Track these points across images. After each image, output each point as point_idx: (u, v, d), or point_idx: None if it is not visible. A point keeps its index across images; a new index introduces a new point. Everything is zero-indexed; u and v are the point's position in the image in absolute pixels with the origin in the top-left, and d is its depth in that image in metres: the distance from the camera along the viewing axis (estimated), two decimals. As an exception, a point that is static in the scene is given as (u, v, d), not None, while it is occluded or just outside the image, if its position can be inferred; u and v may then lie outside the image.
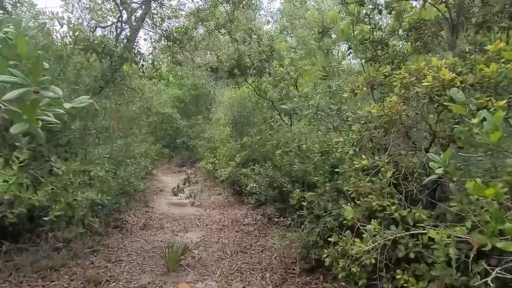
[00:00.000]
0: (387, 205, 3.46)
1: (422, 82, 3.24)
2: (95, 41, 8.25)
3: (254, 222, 9.04)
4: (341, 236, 4.03)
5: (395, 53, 5.98)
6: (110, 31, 11.09)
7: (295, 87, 8.67)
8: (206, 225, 9.16)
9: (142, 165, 11.83)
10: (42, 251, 5.83)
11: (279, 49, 9.77)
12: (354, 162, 3.83)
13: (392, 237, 3.06)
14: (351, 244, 3.38)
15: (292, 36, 23.32)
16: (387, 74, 4.30)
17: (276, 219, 8.64)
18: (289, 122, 9.45)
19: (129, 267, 5.97)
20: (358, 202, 3.83)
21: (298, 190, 6.37)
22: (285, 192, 7.95)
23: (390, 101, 3.56)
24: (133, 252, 6.75)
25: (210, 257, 6.69)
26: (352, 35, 5.98)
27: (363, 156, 3.77)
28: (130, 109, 13.48)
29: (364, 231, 3.20)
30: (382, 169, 3.64)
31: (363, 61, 6.27)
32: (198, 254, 6.73)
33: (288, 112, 9.68)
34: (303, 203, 5.70)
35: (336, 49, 11.77)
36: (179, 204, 11.85)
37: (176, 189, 11.71)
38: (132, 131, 12.92)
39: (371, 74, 4.38)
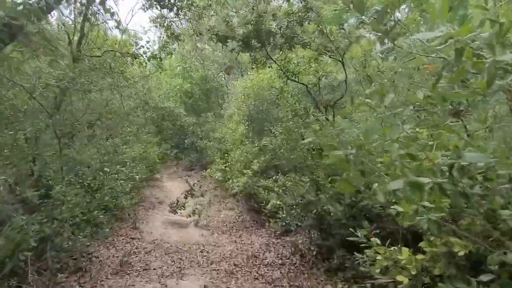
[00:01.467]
0: None
1: None
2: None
3: (281, 262, 6.21)
4: None
5: None
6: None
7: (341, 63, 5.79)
8: (211, 263, 6.38)
9: (133, 172, 9.19)
10: None
11: (318, 6, 6.87)
12: None
13: None
14: None
15: None
16: None
17: (314, 259, 5.83)
18: (327, 116, 6.58)
19: None
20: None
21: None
22: (330, 222, 5.13)
23: None
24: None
25: None
26: None
27: None
28: (122, 103, 10.91)
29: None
30: None
31: None
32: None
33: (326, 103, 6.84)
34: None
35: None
36: (179, 223, 9.15)
37: (175, 205, 9.01)
38: (123, 129, 10.32)
39: None
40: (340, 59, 6.03)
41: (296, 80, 6.46)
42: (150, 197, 12.33)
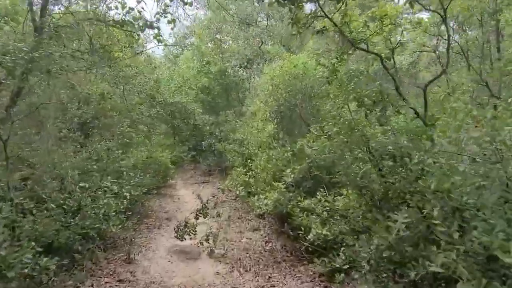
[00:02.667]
0: None
1: None
2: None
3: None
4: None
5: None
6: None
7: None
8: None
9: (130, 185, 7.13)
10: None
11: None
12: None
13: None
14: None
15: None
16: None
17: None
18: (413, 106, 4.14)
19: None
20: None
21: None
22: None
23: None
24: None
25: None
26: None
27: None
28: (124, 95, 8.92)
29: None
30: None
31: None
32: None
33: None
34: None
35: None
36: (188, 252, 6.97)
37: (182, 228, 6.81)
38: (122, 130, 8.32)
39: None
40: (442, 13, 3.64)
41: (366, 48, 4.10)
42: (158, 211, 10.28)
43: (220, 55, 17.62)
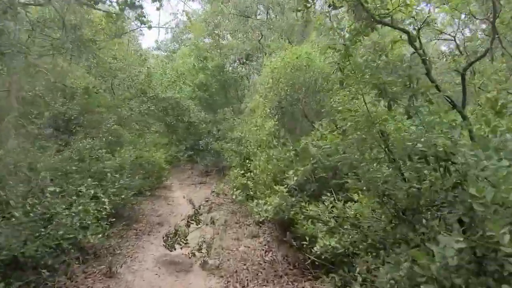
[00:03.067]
0: None
1: None
2: None
3: None
4: None
5: None
6: None
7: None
8: None
9: (115, 188, 6.40)
10: None
11: None
12: None
13: None
14: None
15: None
16: None
17: None
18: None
19: None
20: None
21: None
22: None
23: None
24: None
25: None
26: None
27: None
28: (113, 91, 8.21)
29: None
30: None
31: None
32: None
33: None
34: None
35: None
36: (179, 263, 6.24)
37: (171, 236, 6.06)
38: (109, 127, 7.58)
39: None
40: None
41: (389, 23, 3.35)
42: (150, 215, 9.55)
43: (218, 50, 16.88)
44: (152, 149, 13.38)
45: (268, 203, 5.82)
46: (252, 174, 7.20)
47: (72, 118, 7.77)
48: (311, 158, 6.00)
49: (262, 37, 14.61)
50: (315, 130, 6.35)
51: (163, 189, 13.94)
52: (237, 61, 17.50)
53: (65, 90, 7.77)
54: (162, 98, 8.47)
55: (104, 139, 6.75)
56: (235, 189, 6.16)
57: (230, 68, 17.58)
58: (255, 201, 6.04)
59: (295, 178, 5.84)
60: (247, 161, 7.89)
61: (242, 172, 7.78)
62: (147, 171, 11.99)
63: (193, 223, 6.38)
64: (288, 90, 7.44)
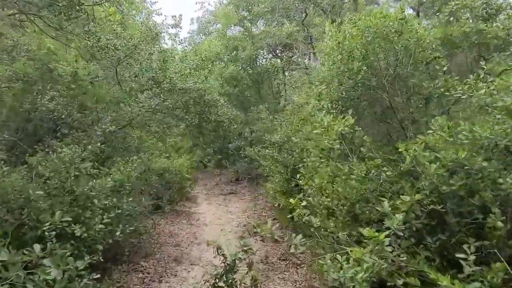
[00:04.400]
0: None
1: None
2: None
3: None
4: None
5: None
6: None
7: None
8: None
9: (102, 223, 4.14)
10: None
11: None
12: None
13: None
14: None
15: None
16: None
17: None
18: None
19: None
20: None
21: None
22: None
23: None
24: None
25: None
26: None
27: None
28: (117, 78, 6.07)
29: None
30: None
31: None
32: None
33: None
34: None
35: None
36: None
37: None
38: (104, 128, 5.37)
39: None
40: None
41: None
42: (166, 244, 7.28)
43: (250, 39, 14.52)
44: (174, 155, 11.29)
45: (353, 260, 3.28)
46: (312, 198, 4.69)
47: (57, 117, 5.65)
48: (428, 179, 3.45)
49: (306, 16, 12.04)
50: (427, 131, 3.78)
51: (186, 201, 11.78)
52: (272, 52, 15.04)
53: (56, 79, 5.67)
54: (182, 90, 6.23)
55: (91, 146, 4.51)
56: (292, 234, 3.68)
57: (264, 61, 15.15)
58: (327, 255, 3.52)
59: (401, 218, 3.26)
60: (300, 176, 5.39)
61: (293, 194, 5.29)
62: (168, 181, 9.88)
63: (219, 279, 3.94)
64: (364, 72, 4.87)
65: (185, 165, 10.71)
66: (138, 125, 6.62)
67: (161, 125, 9.51)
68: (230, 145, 14.59)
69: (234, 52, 13.45)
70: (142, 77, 6.55)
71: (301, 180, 5.49)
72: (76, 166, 4.21)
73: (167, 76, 6.72)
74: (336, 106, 5.36)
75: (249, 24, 14.83)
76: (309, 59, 14.70)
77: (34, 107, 5.83)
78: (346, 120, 4.18)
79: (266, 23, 14.78)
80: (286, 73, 15.74)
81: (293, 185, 7.09)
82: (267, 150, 8.49)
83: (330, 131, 4.30)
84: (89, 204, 4.23)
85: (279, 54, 15.64)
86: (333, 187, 4.27)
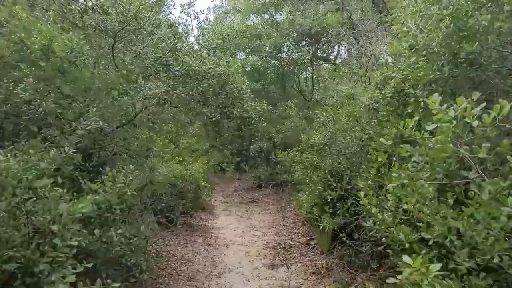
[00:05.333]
0: None
1: None
2: None
3: None
4: None
5: None
6: None
7: None
8: None
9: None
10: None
11: None
12: None
13: None
14: None
15: None
16: None
17: None
18: None
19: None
20: None
21: None
22: None
23: None
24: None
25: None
26: None
27: None
28: (114, 61, 4.47)
29: None
30: None
31: None
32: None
33: None
34: None
35: None
36: None
37: None
38: (86, 124, 3.74)
39: None
40: None
41: None
42: (177, 276, 5.62)
43: (274, 28, 12.78)
44: (188, 159, 9.68)
45: None
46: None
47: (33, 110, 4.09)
48: None
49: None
50: None
51: (202, 211, 10.14)
52: (301, 42, 13.24)
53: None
54: (198, 75, 4.61)
55: (54, 152, 2.89)
56: None
57: (290, 49, 13.35)
58: None
59: None
60: (362, 193, 3.62)
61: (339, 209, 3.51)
62: (180, 191, 8.27)
63: None
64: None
65: (201, 170, 9.07)
66: (140, 122, 4.99)
67: (174, 124, 7.99)
68: (251, 147, 12.91)
69: (257, 41, 11.71)
70: (146, 59, 4.92)
71: (365, 197, 3.73)
72: (28, 183, 2.59)
73: (179, 58, 5.06)
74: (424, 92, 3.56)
75: (274, 11, 13.09)
76: (348, 50, 12.81)
77: (6, 98, 4.32)
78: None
79: (293, 7, 12.99)
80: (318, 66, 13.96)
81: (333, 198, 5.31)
82: (303, 154, 6.73)
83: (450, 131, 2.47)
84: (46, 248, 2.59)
85: (307, 44, 13.84)
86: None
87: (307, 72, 13.99)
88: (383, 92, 5.01)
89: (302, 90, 13.49)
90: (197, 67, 4.86)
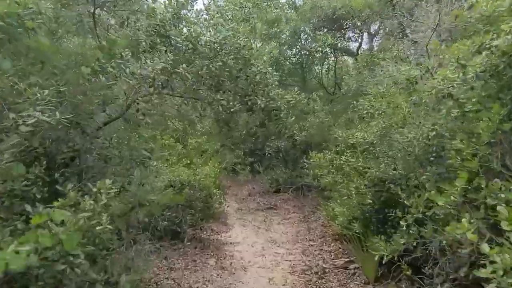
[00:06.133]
0: None
1: None
2: None
3: None
4: None
5: None
6: None
7: None
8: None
9: None
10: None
11: None
12: None
13: None
14: None
15: None
16: None
17: None
18: None
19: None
20: None
21: None
22: None
23: None
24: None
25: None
26: None
27: None
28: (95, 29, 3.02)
29: None
30: None
31: None
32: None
33: None
34: None
35: None
36: None
37: None
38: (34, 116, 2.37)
39: None
40: None
41: None
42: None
43: (292, 11, 11.32)
44: (197, 161, 8.31)
45: None
46: None
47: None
48: None
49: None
50: None
51: (213, 221, 8.76)
52: (321, 29, 11.73)
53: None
54: (208, 48, 3.27)
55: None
56: None
57: (309, 39, 11.86)
58: None
59: None
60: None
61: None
62: (189, 199, 6.92)
63: None
64: None
65: (213, 175, 7.71)
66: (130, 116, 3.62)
67: (180, 119, 6.72)
68: (267, 146, 11.45)
69: (276, 26, 10.22)
70: (139, 29, 3.54)
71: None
72: None
73: (184, 28, 3.68)
74: None
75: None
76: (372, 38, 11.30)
77: None
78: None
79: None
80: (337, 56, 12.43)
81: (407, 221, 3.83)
82: (343, 156, 5.27)
83: None
84: None
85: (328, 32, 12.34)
86: None
87: (329, 62, 12.49)
88: (469, 69, 3.60)
89: (323, 82, 11.99)
90: (208, 37, 3.46)
